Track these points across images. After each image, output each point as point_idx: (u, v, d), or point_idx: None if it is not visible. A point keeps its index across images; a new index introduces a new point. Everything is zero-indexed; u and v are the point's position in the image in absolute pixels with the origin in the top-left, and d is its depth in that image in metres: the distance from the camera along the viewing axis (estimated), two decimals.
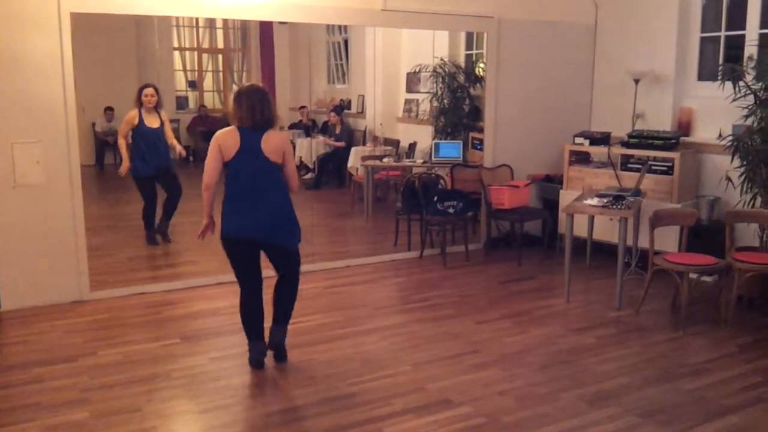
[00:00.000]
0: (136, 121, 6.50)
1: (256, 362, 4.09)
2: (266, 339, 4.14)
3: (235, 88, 10.94)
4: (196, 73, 11.00)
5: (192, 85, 11.06)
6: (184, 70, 10.82)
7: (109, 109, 10.29)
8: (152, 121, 6.55)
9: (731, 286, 4.88)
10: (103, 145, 10.37)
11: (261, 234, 3.90)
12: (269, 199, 3.90)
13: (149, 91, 6.54)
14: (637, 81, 6.58)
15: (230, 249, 3.98)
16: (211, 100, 11.01)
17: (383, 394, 3.77)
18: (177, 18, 10.23)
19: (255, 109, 3.83)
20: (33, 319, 4.86)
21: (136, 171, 6.57)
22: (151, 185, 6.66)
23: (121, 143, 6.58)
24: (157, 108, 6.61)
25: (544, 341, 4.57)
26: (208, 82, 11.25)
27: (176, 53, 10.36)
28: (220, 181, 3.99)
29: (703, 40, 6.46)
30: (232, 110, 3.92)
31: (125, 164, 6.52)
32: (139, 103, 6.54)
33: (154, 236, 6.79)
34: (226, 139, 3.87)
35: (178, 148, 6.86)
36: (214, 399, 3.72)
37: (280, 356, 4.17)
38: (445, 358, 4.27)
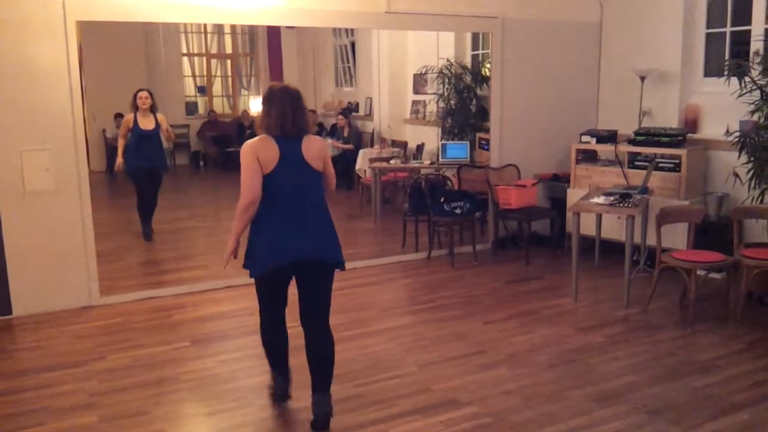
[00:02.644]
0: (131, 123, 6.87)
1: (282, 396, 3.71)
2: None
3: (244, 92, 11.00)
4: (205, 79, 11.05)
5: (201, 90, 11.11)
6: (193, 75, 10.87)
7: (119, 116, 10.36)
8: (147, 123, 6.88)
9: (740, 282, 4.85)
10: (113, 151, 10.46)
11: (312, 250, 3.39)
12: (318, 212, 3.44)
13: (143, 94, 6.92)
14: (643, 78, 6.56)
15: (272, 279, 3.45)
16: (220, 106, 11.06)
17: (390, 395, 3.78)
18: (185, 24, 10.29)
19: (286, 119, 3.33)
20: (43, 325, 4.91)
21: (129, 168, 6.94)
22: (140, 182, 6.99)
23: (120, 143, 7.00)
24: (152, 110, 6.92)
25: (552, 341, 4.57)
26: (217, 88, 11.30)
27: (185, 59, 10.42)
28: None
29: (708, 36, 6.43)
30: (260, 116, 3.41)
31: (119, 160, 6.94)
32: (135, 107, 6.90)
33: (149, 233, 7.03)
34: (264, 149, 3.31)
35: (170, 131, 7.18)
36: (222, 401, 3.74)
37: (325, 426, 3.48)
38: (452, 358, 4.28)
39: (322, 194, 3.50)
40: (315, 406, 3.45)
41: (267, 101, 3.39)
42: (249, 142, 3.36)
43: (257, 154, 3.30)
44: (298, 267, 3.42)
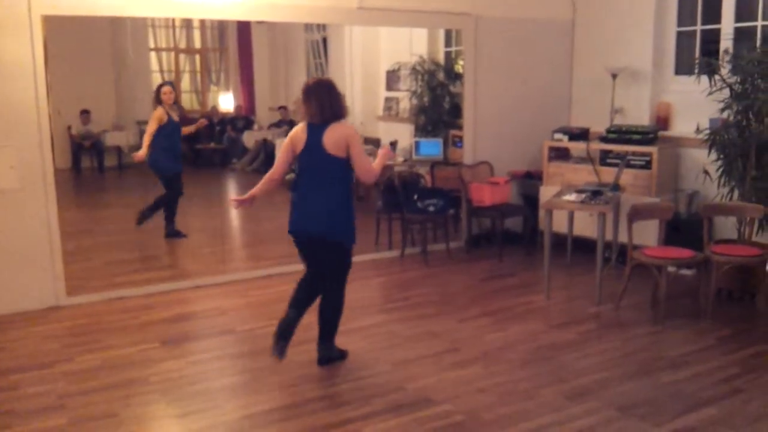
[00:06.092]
0: (166, 117, 6.64)
1: (281, 333, 4.00)
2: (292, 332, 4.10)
3: (214, 88, 10.88)
4: (174, 74, 10.87)
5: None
6: (161, 71, 10.70)
7: (85, 112, 10.18)
8: (175, 117, 6.75)
9: (710, 278, 4.90)
10: (79, 148, 10.27)
11: (312, 227, 3.92)
12: (326, 194, 3.90)
13: (167, 88, 6.76)
14: (614, 76, 6.60)
15: (295, 242, 4.06)
16: (188, 101, 10.90)
17: (363, 394, 3.76)
18: (153, 18, 10.13)
19: (324, 107, 3.85)
20: (9, 326, 4.79)
21: (166, 166, 6.72)
22: (179, 179, 6.79)
23: (147, 139, 6.69)
24: (175, 104, 6.81)
25: (525, 338, 4.57)
26: (185, 83, 11.13)
27: (153, 54, 10.25)
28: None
29: (679, 34, 6.50)
30: (302, 108, 3.95)
31: (143, 152, 6.63)
32: (159, 101, 6.68)
33: (175, 231, 6.87)
34: (297, 135, 3.94)
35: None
36: (192, 403, 3.69)
37: (324, 362, 4.16)
38: (426, 356, 4.27)
39: (337, 178, 3.91)
40: (317, 348, 4.15)
41: (306, 95, 3.90)
42: (295, 127, 3.99)
43: (292, 138, 3.95)
44: (308, 238, 3.97)
